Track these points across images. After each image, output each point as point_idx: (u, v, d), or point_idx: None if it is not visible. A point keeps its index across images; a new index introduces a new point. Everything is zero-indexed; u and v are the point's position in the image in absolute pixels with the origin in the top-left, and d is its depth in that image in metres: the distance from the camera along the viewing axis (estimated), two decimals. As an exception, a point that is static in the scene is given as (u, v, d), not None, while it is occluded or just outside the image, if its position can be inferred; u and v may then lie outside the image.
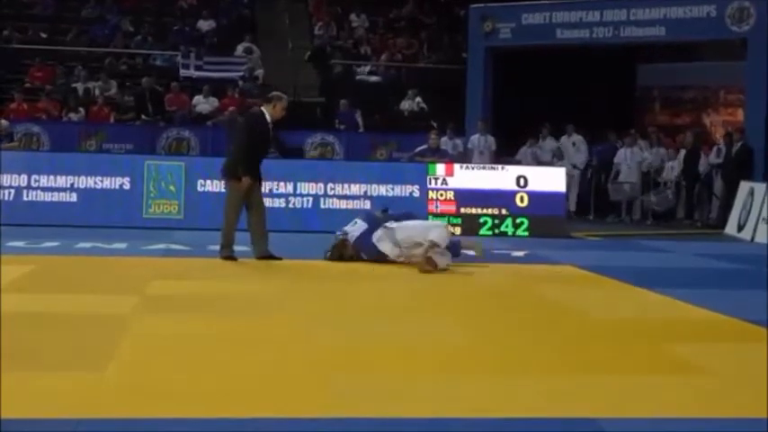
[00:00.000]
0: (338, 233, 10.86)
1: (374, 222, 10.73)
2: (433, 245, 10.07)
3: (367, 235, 10.60)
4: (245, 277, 9.60)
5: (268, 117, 10.68)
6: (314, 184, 14.46)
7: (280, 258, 10.60)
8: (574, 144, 18.96)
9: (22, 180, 14.17)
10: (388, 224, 10.58)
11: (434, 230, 10.32)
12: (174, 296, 8.22)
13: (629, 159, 18.34)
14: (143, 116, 20.88)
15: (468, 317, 7.72)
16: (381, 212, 11.11)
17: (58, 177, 14.21)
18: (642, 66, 21.49)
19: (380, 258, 10.51)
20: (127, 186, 14.27)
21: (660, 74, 21.37)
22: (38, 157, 15.69)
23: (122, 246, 11.63)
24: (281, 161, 14.76)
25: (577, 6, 19.30)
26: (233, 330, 6.77)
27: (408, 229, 10.42)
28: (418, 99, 21.94)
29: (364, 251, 10.62)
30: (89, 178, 14.24)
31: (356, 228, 10.72)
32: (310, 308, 7.88)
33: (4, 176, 14.07)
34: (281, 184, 14.37)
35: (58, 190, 14.19)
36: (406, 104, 22.07)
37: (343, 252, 10.66)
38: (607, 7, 19.04)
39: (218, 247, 10.69)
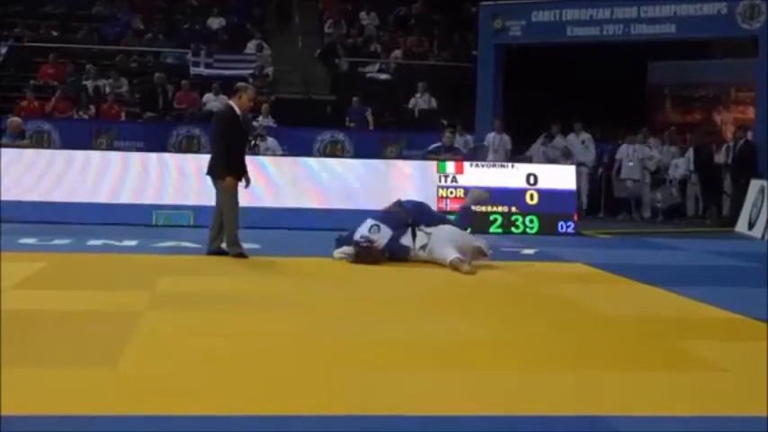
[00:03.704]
0: (360, 240, 10.39)
1: (398, 224, 10.45)
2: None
3: (394, 240, 10.36)
4: (255, 274, 9.62)
5: (237, 110, 10.68)
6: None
7: (228, 253, 10.53)
8: (583, 142, 18.92)
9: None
10: (426, 229, 10.44)
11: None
12: (184, 293, 8.23)
13: (632, 156, 18.31)
14: (149, 113, 20.92)
15: (479, 315, 7.72)
16: (397, 206, 10.83)
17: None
18: (653, 63, 21.44)
19: (404, 255, 10.40)
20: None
21: (671, 71, 21.32)
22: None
23: (133, 243, 11.67)
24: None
25: (588, 4, 19.25)
26: (244, 327, 6.79)
27: (441, 247, 10.26)
28: (427, 94, 21.87)
29: (394, 254, 10.37)
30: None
31: (381, 234, 10.35)
32: (321, 305, 7.89)
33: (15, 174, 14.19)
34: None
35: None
36: (415, 101, 22.01)
37: (369, 258, 10.27)
38: (617, 5, 18.98)
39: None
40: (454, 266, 9.94)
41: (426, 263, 10.29)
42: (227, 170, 10.53)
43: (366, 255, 10.32)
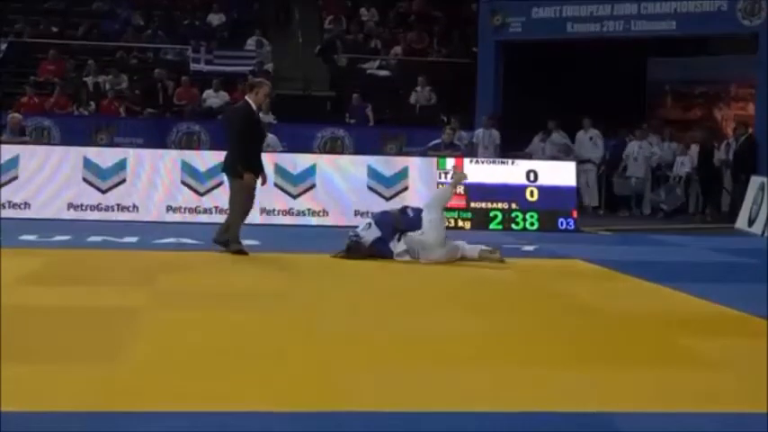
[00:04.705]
0: (351, 235, 10.59)
1: (389, 227, 10.53)
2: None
3: (381, 241, 10.44)
4: (255, 271, 9.62)
5: (253, 106, 10.64)
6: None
7: (229, 249, 10.56)
8: (591, 139, 18.91)
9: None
10: (412, 234, 10.46)
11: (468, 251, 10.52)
12: (184, 290, 8.24)
13: (637, 153, 18.32)
14: (149, 109, 20.92)
15: (479, 312, 7.72)
16: (399, 212, 10.83)
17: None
18: (653, 60, 21.43)
19: (388, 257, 10.43)
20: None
21: (671, 68, 21.30)
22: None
23: (133, 240, 11.67)
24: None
25: (588, 0, 19.25)
26: (243, 324, 6.79)
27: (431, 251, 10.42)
28: (427, 89, 21.83)
29: (380, 255, 10.42)
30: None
31: (370, 232, 10.50)
32: (321, 302, 7.90)
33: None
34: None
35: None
36: (416, 95, 21.95)
37: (356, 254, 10.40)
38: (618, 1, 18.99)
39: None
40: (490, 260, 10.25)
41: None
42: (246, 167, 10.49)
43: (354, 250, 10.46)
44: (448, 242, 10.54)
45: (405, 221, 10.65)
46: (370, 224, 10.65)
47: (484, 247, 10.56)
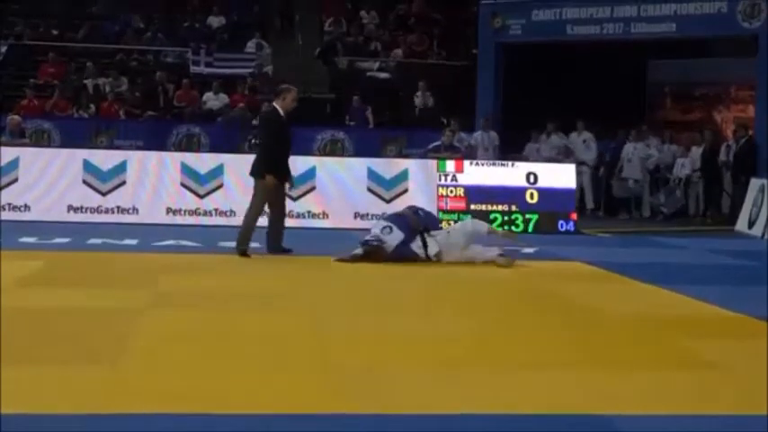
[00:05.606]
0: (370, 239, 10.43)
1: (409, 229, 10.47)
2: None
3: (404, 244, 10.38)
4: (256, 273, 9.63)
5: (281, 112, 10.82)
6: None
7: (290, 250, 10.74)
8: (584, 141, 18.92)
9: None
10: (433, 233, 10.54)
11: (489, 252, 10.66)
12: (184, 292, 8.24)
13: (632, 155, 18.32)
14: (149, 112, 20.93)
15: (480, 313, 7.72)
16: (413, 213, 10.80)
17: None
18: (653, 62, 21.43)
19: (411, 260, 10.40)
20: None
21: (671, 70, 21.31)
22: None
23: (133, 242, 11.67)
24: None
25: (588, 3, 19.26)
26: (244, 326, 6.79)
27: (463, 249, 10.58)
28: (427, 93, 21.84)
29: (402, 258, 10.33)
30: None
31: (393, 236, 10.38)
32: (322, 304, 7.90)
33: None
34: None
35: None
36: (417, 100, 21.97)
37: (377, 259, 10.29)
38: (618, 3, 19.00)
39: (228, 243, 10.76)
40: (498, 264, 10.32)
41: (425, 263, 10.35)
42: (269, 170, 10.61)
43: (373, 254, 10.35)
44: (469, 248, 10.62)
45: (420, 221, 10.67)
46: (390, 228, 10.46)
47: (498, 255, 10.57)
